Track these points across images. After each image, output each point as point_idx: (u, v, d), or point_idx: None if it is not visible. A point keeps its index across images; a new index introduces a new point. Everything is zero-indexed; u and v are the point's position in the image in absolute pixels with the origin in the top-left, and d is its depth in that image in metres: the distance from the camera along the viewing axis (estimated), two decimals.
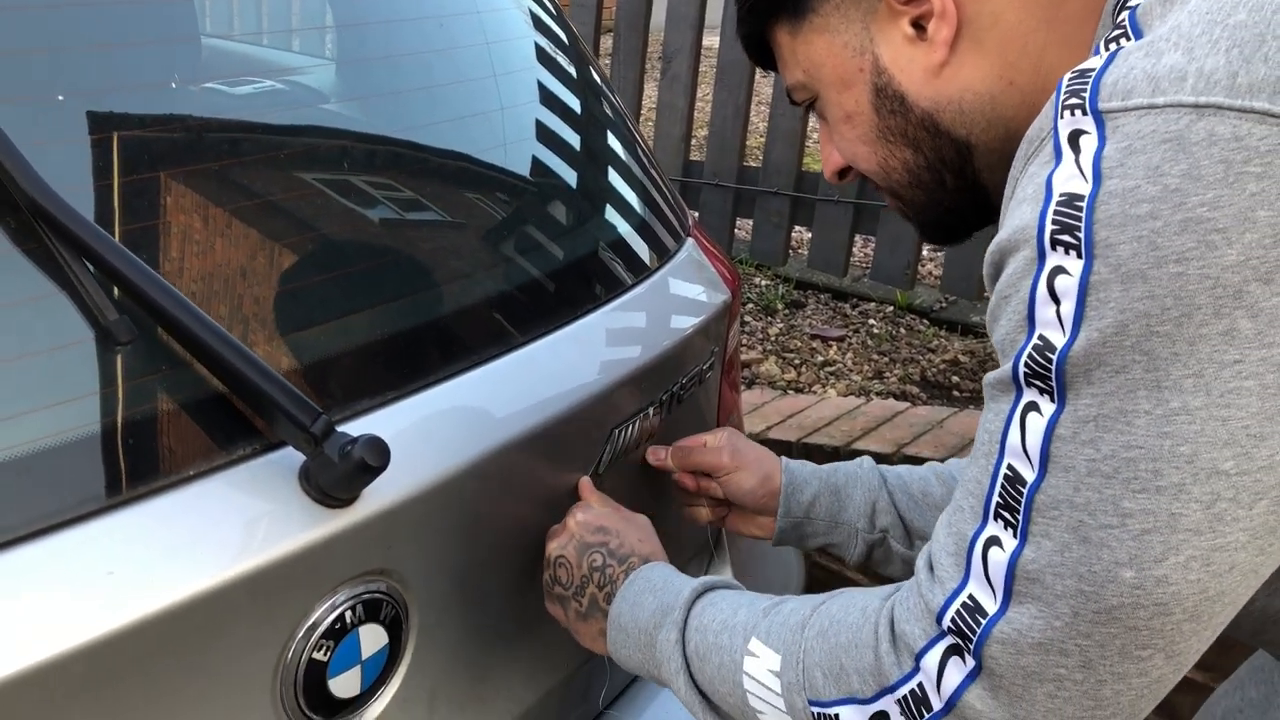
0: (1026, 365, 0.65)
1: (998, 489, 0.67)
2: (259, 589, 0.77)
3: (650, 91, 4.55)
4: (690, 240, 1.39)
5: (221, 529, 0.76)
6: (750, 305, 3.30)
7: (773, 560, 1.59)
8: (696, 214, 3.68)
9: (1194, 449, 0.60)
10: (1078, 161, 0.64)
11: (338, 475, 0.78)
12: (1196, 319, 0.59)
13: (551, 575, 1.00)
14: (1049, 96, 0.69)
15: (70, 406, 0.73)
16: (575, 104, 1.37)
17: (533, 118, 1.28)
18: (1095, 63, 0.67)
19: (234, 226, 0.90)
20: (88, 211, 0.78)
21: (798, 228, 3.67)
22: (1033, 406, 0.65)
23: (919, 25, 0.82)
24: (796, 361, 2.98)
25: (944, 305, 3.25)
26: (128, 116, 0.91)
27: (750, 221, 3.62)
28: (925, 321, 3.21)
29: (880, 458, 2.24)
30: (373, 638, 0.86)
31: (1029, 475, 0.65)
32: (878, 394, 2.72)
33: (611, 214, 1.30)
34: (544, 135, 1.28)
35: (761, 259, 3.59)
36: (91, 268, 0.75)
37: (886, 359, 2.96)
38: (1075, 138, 0.65)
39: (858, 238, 3.50)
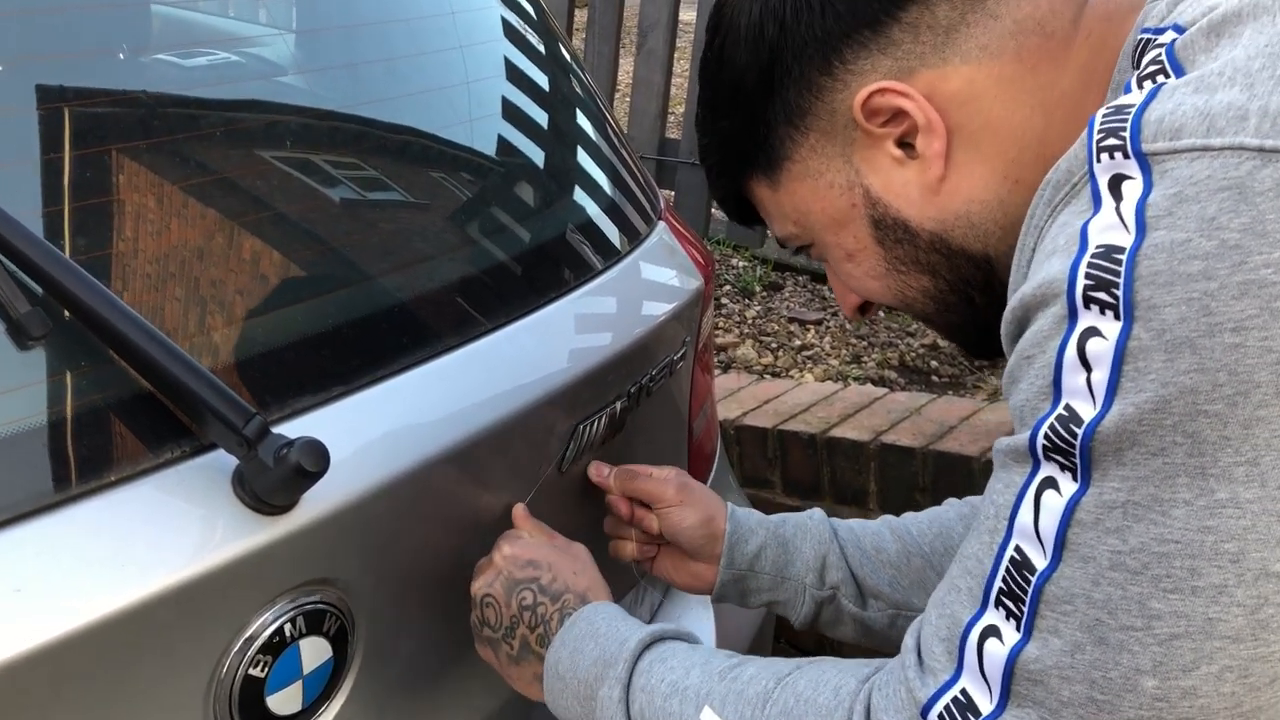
0: (1047, 438, 0.58)
1: (1001, 572, 0.60)
2: (188, 602, 0.71)
3: (626, 67, 4.48)
4: (661, 224, 1.33)
5: (146, 538, 0.70)
6: (727, 287, 3.25)
7: None
8: (673, 194, 3.61)
9: (1241, 547, 0.53)
10: (1119, 209, 0.56)
11: (273, 481, 0.72)
12: (1254, 398, 0.52)
13: (479, 616, 0.92)
14: None
15: None
16: (542, 80, 1.30)
17: (498, 93, 1.21)
18: (1133, 99, 0.59)
19: (164, 209, 0.84)
20: (4, 193, 0.72)
21: None
22: (1050, 483, 0.58)
23: (905, 144, 0.75)
24: (774, 345, 2.93)
25: None
26: (71, 89, 0.84)
27: None
28: None
29: (857, 445, 2.20)
30: (315, 651, 0.81)
31: (1039, 561, 0.58)
32: (855, 379, 2.68)
33: (579, 196, 1.24)
34: (509, 112, 1.21)
35: (739, 239, 3.53)
36: (1, 256, 0.69)
37: (865, 343, 2.92)
38: (1117, 183, 0.57)
39: None
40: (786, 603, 1.02)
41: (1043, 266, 0.60)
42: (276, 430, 0.73)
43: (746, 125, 0.81)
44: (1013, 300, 0.62)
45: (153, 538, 0.71)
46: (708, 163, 0.87)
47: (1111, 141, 0.58)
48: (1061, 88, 0.72)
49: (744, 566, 1.02)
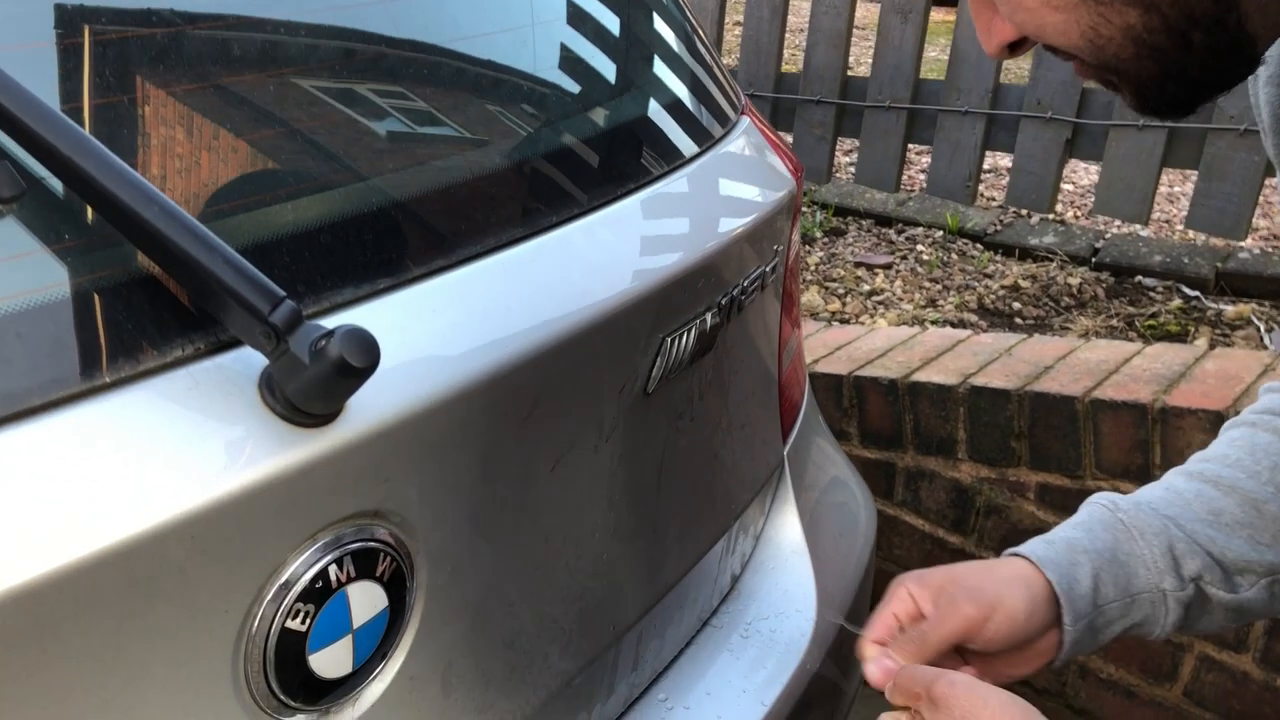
0: None
1: None
2: (207, 537, 0.57)
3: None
4: (745, 119, 1.16)
5: (151, 456, 0.55)
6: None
7: (837, 510, 1.38)
8: None
9: None
10: None
11: (309, 381, 0.57)
12: None
13: None
14: None
15: None
16: None
17: None
18: None
19: (185, 57, 0.68)
20: None
21: (842, 142, 3.41)
22: None
23: None
24: (841, 291, 2.75)
25: (999, 228, 3.00)
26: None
27: (789, 135, 3.37)
28: (978, 246, 2.97)
29: (944, 389, 2.02)
30: (367, 599, 0.66)
31: None
32: (933, 323, 2.50)
33: (657, 81, 1.07)
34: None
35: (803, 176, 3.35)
36: None
37: (939, 286, 2.73)
38: None
39: (909, 149, 3.24)
40: (1144, 621, 0.82)
41: None
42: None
43: None
44: None
45: (159, 456, 0.56)
46: None
47: None
48: None
49: (1088, 609, 0.81)
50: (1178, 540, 0.80)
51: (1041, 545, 0.82)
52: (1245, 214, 2.60)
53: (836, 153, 3.43)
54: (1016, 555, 0.82)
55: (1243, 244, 2.81)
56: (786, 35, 3.41)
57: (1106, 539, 0.81)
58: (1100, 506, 0.84)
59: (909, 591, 0.80)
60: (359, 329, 0.57)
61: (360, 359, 0.56)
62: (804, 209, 3.27)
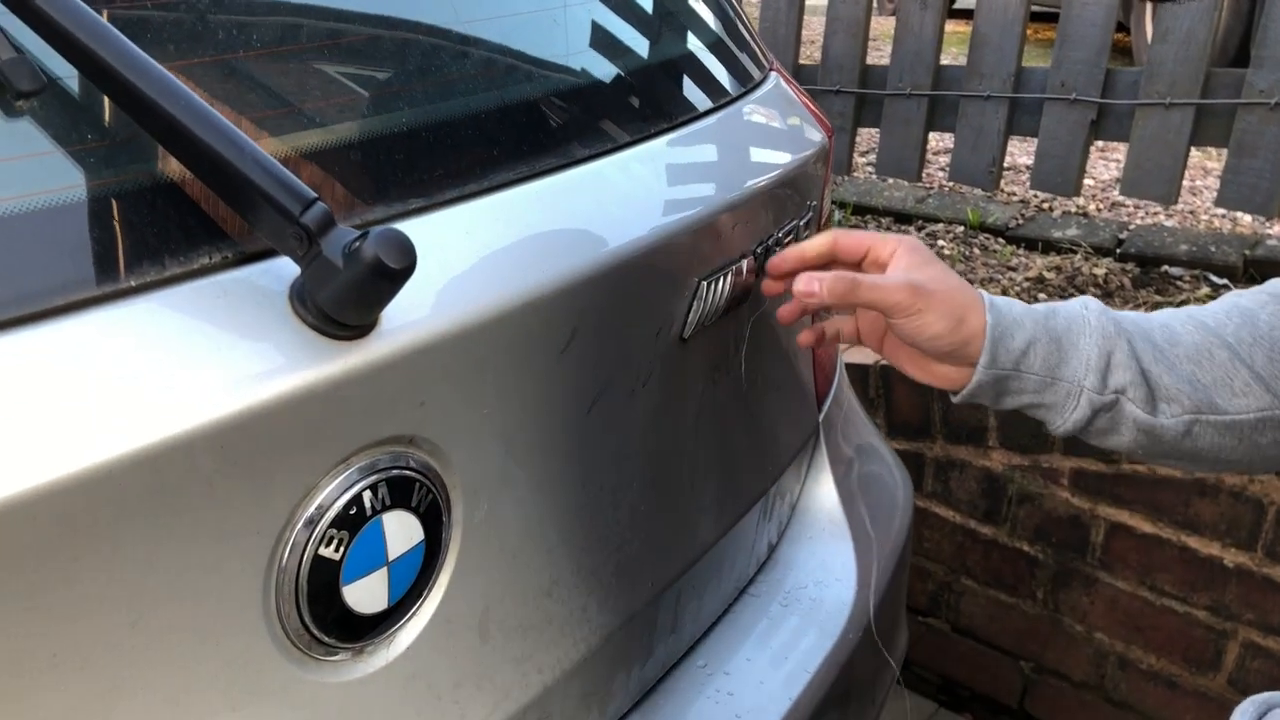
0: None
1: None
2: (238, 449, 0.54)
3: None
4: (774, 74, 1.14)
5: (180, 364, 0.53)
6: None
7: (874, 482, 1.35)
8: None
9: None
10: None
11: (343, 287, 0.54)
12: None
13: None
14: None
15: None
16: None
17: None
18: None
19: None
20: None
21: (859, 144, 3.38)
22: None
23: None
24: None
25: (1021, 222, 2.97)
26: None
27: None
28: (1000, 241, 2.93)
29: None
30: (403, 531, 0.63)
31: None
32: None
33: (694, 23, 1.05)
34: None
35: None
36: None
37: (963, 279, 2.70)
38: None
39: (928, 144, 3.21)
40: (1051, 406, 0.84)
41: None
42: None
43: None
44: None
45: (187, 362, 0.53)
46: None
47: None
48: None
49: (1008, 365, 0.83)
50: (1120, 351, 0.82)
51: (1005, 301, 0.85)
52: (1278, 190, 2.55)
53: (854, 155, 3.41)
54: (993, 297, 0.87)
55: (1270, 231, 2.76)
56: (800, 46, 3.40)
57: (1062, 324, 0.84)
58: (1079, 304, 0.86)
59: (901, 246, 0.88)
60: (394, 230, 0.54)
61: (397, 260, 0.53)
62: None
